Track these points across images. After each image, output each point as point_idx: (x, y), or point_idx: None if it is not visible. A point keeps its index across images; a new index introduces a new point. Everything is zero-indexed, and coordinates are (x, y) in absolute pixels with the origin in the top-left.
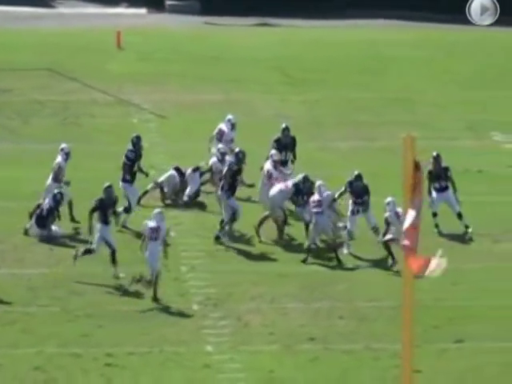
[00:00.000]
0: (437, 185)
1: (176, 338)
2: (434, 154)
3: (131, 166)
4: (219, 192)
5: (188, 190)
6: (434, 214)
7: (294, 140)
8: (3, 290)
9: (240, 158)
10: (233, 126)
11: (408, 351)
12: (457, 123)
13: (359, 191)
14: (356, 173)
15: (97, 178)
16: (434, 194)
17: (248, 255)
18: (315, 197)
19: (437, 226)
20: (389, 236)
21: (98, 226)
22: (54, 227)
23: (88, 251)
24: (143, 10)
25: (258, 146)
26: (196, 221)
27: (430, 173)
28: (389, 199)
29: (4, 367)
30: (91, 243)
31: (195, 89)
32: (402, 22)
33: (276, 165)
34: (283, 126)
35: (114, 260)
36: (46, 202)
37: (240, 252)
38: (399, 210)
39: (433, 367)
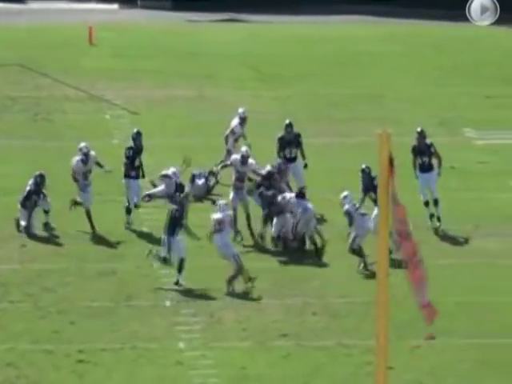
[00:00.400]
0: (420, 161)
1: (148, 335)
2: (418, 129)
3: (132, 162)
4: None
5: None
6: (426, 204)
7: (298, 136)
8: None
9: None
10: (242, 121)
11: (383, 348)
12: (429, 119)
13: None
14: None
15: (68, 175)
16: (418, 173)
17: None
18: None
19: (432, 216)
20: (355, 242)
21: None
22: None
23: (164, 259)
24: (115, 6)
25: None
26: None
27: (413, 148)
28: (345, 193)
29: None
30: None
31: (168, 84)
32: (375, 17)
33: (244, 160)
34: (286, 122)
35: (180, 268)
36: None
37: (213, 248)
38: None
39: (405, 363)
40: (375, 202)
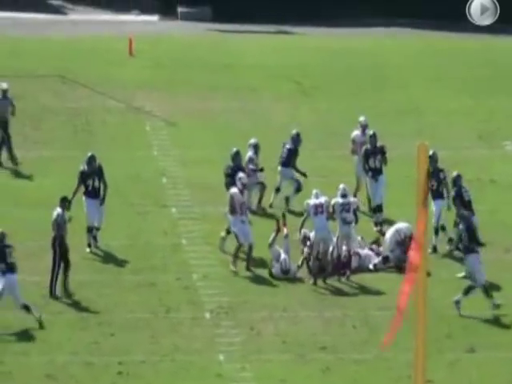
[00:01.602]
0: (372, 164)
1: (188, 347)
2: (371, 132)
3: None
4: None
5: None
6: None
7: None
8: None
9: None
10: (255, 150)
11: (421, 361)
12: (467, 132)
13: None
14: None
15: (110, 186)
16: (369, 179)
17: (260, 263)
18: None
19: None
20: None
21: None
22: None
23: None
24: (155, 17)
25: (271, 154)
26: (207, 229)
27: (366, 150)
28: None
29: (14, 375)
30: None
31: (207, 96)
32: (410, 29)
33: (243, 189)
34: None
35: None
36: None
37: (252, 260)
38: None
39: (445, 377)
40: None
